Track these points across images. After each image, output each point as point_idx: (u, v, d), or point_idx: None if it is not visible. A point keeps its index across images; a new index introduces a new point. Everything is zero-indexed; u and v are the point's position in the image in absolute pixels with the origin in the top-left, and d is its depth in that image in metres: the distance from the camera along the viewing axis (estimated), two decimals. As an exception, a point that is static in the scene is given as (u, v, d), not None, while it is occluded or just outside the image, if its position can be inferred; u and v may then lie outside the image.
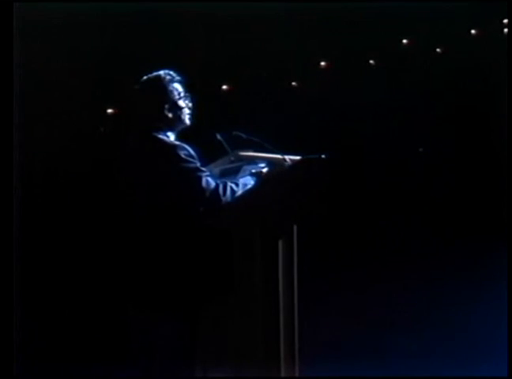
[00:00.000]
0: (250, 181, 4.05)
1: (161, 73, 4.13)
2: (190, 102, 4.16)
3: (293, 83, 8.96)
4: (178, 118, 4.10)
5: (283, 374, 4.00)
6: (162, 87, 4.09)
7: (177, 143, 4.00)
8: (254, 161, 4.17)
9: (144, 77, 4.15)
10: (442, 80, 9.46)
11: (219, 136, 4.13)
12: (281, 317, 3.96)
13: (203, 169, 3.96)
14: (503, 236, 6.19)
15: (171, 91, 4.09)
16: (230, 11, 7.85)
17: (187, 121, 4.13)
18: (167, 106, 4.06)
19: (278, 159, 4.05)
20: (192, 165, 3.91)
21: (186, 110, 4.12)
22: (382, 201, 8.19)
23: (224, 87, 8.31)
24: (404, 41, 9.83)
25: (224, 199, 3.92)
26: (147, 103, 4.09)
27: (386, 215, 7.97)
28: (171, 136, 4.08)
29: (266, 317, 3.94)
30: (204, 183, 3.90)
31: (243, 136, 4.10)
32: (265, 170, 4.12)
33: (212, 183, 3.92)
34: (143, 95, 4.12)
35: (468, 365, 4.97)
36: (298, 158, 4.01)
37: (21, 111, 4.60)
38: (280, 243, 3.94)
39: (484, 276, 6.47)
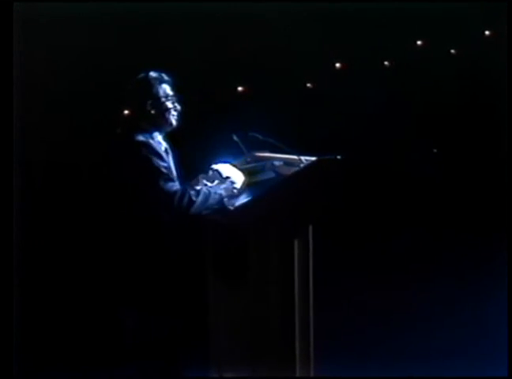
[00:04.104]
0: (219, 190, 4.02)
1: (150, 72, 4.17)
2: (178, 104, 4.16)
3: (308, 84, 8.96)
4: (162, 117, 4.11)
5: (298, 374, 4.01)
6: (147, 85, 4.12)
7: (141, 140, 4.01)
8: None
9: (139, 75, 4.18)
10: (457, 81, 9.44)
11: (235, 137, 4.15)
12: (297, 317, 3.97)
13: (164, 171, 3.95)
14: (504, 236, 6.17)
15: (157, 91, 4.11)
16: (245, 11, 7.84)
17: (173, 123, 4.14)
18: (149, 103, 4.08)
19: (294, 159, 4.06)
20: (155, 164, 3.94)
21: (173, 112, 4.13)
22: (396, 202, 8.18)
23: (240, 88, 8.31)
24: (419, 42, 9.81)
25: (177, 206, 3.90)
26: (132, 102, 4.15)
27: (401, 216, 7.96)
28: (158, 137, 4.10)
29: (282, 317, 3.95)
30: (161, 187, 3.90)
31: (259, 137, 4.11)
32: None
33: (171, 189, 3.92)
34: (129, 94, 4.17)
35: (469, 365, 4.97)
36: (313, 159, 4.02)
37: (21, 112, 4.56)
38: (296, 243, 3.95)
39: (484, 276, 6.46)
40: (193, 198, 3.92)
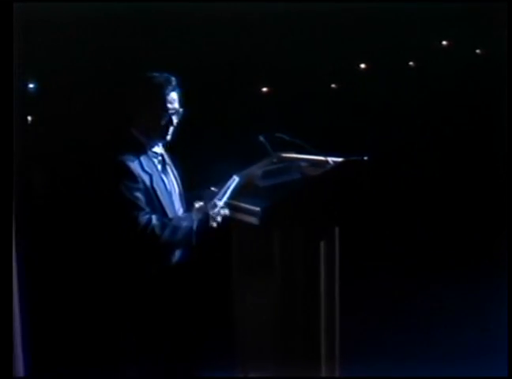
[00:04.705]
0: (190, 223, 3.81)
1: (158, 75, 3.80)
2: (177, 118, 3.83)
3: (332, 85, 8.97)
4: (157, 130, 3.79)
5: (323, 374, 4.01)
6: (151, 90, 3.76)
7: (117, 160, 3.69)
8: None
9: (143, 75, 3.83)
10: (483, 81, 9.40)
11: (262, 138, 4.11)
12: (322, 317, 3.97)
13: (135, 196, 3.68)
14: (504, 236, 6.15)
15: (161, 99, 3.77)
16: (270, 12, 7.85)
17: (167, 138, 3.84)
18: (148, 111, 3.77)
19: (320, 160, 4.05)
20: (123, 191, 3.65)
21: (170, 126, 3.81)
22: (423, 203, 8.16)
23: (267, 89, 8.33)
24: (444, 42, 9.79)
25: (141, 236, 3.68)
26: (129, 105, 3.81)
27: (428, 217, 7.94)
28: (153, 147, 3.85)
29: (307, 318, 3.95)
30: (127, 215, 3.65)
31: (286, 137, 4.09)
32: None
33: (138, 218, 3.66)
34: (128, 95, 3.83)
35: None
36: (340, 160, 4.01)
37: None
38: (322, 245, 3.95)
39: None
40: (157, 231, 3.69)
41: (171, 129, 3.85)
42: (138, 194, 3.71)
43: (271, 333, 4.00)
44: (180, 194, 4.00)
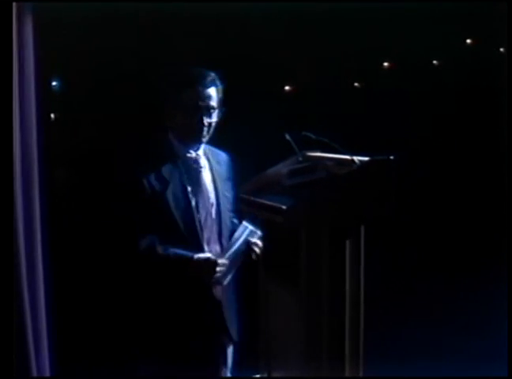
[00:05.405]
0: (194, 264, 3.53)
1: (197, 69, 3.54)
2: (216, 117, 3.52)
3: (355, 84, 8.95)
4: (191, 131, 3.50)
5: (347, 374, 4.00)
6: (186, 86, 3.46)
7: (126, 168, 3.52)
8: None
9: (174, 69, 3.61)
10: (507, 80, 9.33)
11: (288, 137, 4.11)
12: (347, 318, 3.97)
13: (139, 206, 3.44)
14: (504, 236, 6.13)
15: (198, 96, 3.47)
16: (293, 11, 7.85)
17: (202, 141, 3.56)
18: (181, 111, 3.48)
19: (346, 159, 4.05)
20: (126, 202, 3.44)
21: (204, 127, 3.50)
22: (448, 203, 8.14)
23: (292, 87, 8.32)
24: (468, 41, 9.73)
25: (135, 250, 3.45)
26: (161, 103, 3.53)
27: (452, 217, 7.92)
28: (190, 153, 3.60)
29: (332, 318, 3.95)
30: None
31: (312, 136, 4.09)
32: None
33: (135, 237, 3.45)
34: (159, 92, 3.56)
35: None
36: (366, 159, 4.00)
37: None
38: (348, 243, 3.94)
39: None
40: (145, 252, 3.45)
41: (205, 130, 3.52)
42: (139, 205, 3.45)
43: (295, 333, 4.00)
44: (217, 208, 3.69)
